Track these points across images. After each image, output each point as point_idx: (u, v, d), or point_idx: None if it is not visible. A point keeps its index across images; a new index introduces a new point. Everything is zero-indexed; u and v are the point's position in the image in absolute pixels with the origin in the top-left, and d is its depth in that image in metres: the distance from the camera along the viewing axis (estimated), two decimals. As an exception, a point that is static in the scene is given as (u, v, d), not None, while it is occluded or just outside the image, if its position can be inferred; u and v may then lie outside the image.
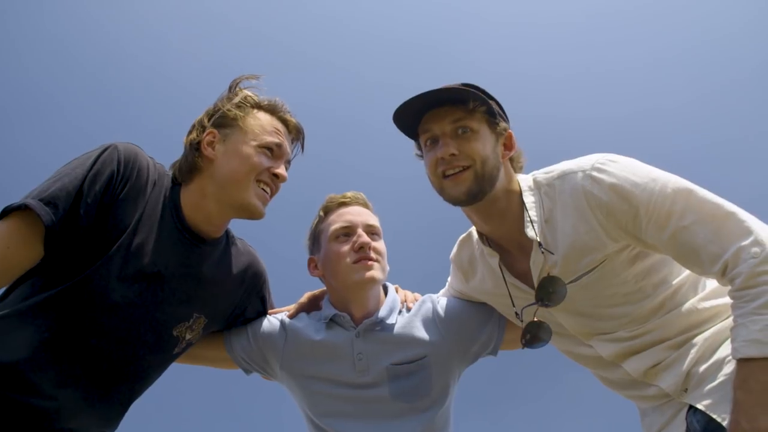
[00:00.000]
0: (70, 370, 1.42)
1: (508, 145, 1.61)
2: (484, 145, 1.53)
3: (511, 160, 1.63)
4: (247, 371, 1.92)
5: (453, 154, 1.50)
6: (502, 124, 1.59)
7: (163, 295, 1.52)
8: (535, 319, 1.54)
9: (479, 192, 1.50)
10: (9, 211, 1.34)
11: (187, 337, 1.64)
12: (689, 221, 1.31)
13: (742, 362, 1.20)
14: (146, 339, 1.53)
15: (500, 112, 1.61)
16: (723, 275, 1.28)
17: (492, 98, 1.60)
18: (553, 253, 1.47)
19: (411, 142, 1.68)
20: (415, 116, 1.59)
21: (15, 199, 1.35)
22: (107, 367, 1.48)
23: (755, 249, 1.23)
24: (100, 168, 1.43)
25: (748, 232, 1.26)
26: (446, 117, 1.53)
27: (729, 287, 1.28)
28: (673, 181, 1.38)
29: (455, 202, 1.55)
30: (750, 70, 5.34)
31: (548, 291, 1.47)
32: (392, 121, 1.61)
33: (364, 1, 5.95)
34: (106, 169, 1.43)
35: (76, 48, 5.46)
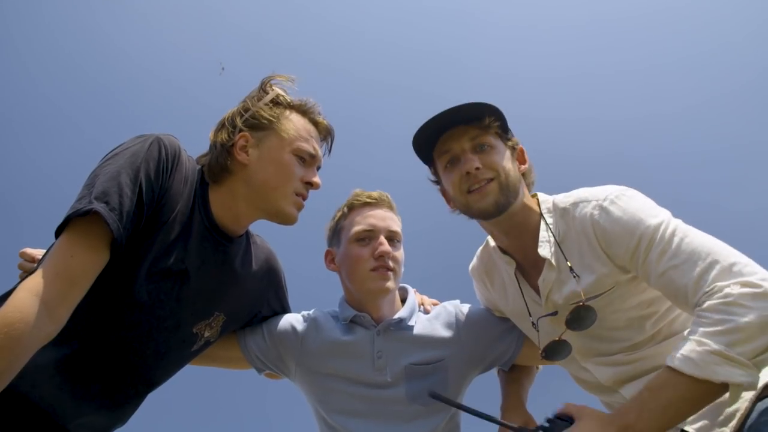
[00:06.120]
0: (88, 365, 1.40)
1: (521, 160, 1.66)
2: (504, 158, 1.56)
3: (523, 175, 1.65)
4: (259, 370, 1.92)
5: (477, 168, 1.52)
6: (514, 139, 1.64)
7: (188, 292, 1.50)
8: (558, 338, 1.54)
9: (506, 203, 1.53)
10: (73, 216, 1.26)
11: (206, 334, 1.63)
12: (680, 260, 1.32)
13: (670, 370, 1.21)
14: (167, 336, 1.51)
15: (509, 127, 1.64)
16: (696, 306, 1.27)
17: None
18: (578, 276, 1.48)
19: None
20: (431, 140, 1.61)
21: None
22: (126, 364, 1.46)
23: (731, 289, 1.21)
24: (149, 166, 1.38)
25: (731, 275, 1.24)
26: (463, 135, 1.57)
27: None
28: (675, 223, 1.39)
29: (483, 215, 1.57)
30: (751, 76, 5.33)
31: (579, 316, 1.47)
32: (411, 145, 1.63)
33: (369, 5, 5.97)
34: (155, 166, 1.39)
35: (75, 48, 5.46)
